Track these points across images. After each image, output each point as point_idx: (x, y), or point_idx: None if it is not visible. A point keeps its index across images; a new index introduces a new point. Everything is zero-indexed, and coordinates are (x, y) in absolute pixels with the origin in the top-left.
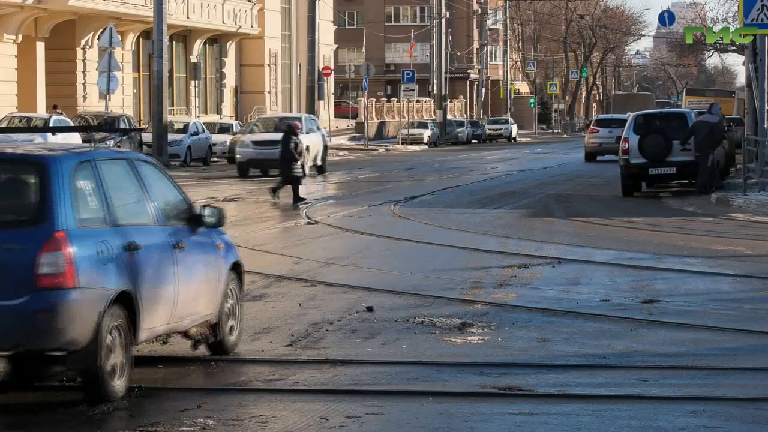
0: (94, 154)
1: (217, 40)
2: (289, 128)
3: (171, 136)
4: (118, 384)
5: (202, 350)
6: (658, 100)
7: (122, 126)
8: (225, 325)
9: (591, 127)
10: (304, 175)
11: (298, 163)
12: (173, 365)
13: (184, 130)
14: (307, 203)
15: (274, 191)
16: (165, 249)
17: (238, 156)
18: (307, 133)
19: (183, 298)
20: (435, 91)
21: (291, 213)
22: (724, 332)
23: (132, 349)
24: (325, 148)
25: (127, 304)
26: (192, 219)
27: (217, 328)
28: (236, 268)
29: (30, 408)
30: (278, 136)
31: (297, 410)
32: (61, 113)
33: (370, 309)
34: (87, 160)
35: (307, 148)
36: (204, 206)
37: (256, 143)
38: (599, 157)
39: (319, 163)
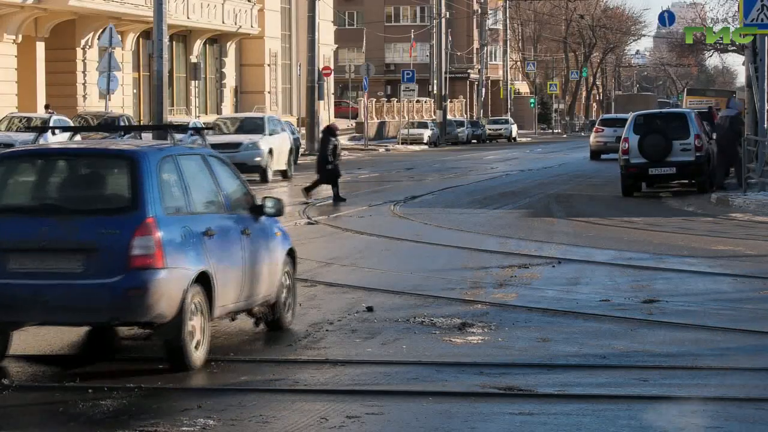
0: (174, 149)
1: (217, 40)
2: (328, 129)
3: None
4: (199, 355)
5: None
6: (658, 100)
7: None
8: (282, 305)
9: (596, 126)
10: (339, 174)
11: (336, 163)
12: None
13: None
14: (344, 202)
15: (307, 191)
16: (234, 235)
17: None
18: (270, 134)
19: (249, 280)
20: (435, 91)
21: (291, 213)
22: (724, 332)
23: (209, 324)
24: (292, 150)
25: (205, 283)
26: (254, 209)
27: (275, 308)
28: (291, 254)
29: (29, 409)
30: (237, 138)
31: (297, 410)
32: (52, 113)
33: (370, 309)
34: (169, 155)
35: (270, 152)
36: (265, 198)
37: (212, 146)
38: (603, 156)
39: (283, 167)
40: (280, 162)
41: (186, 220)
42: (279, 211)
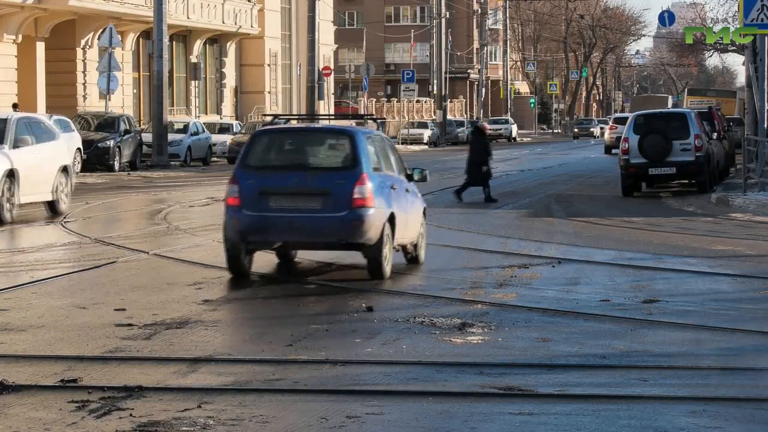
0: (370, 131)
1: (217, 40)
2: (478, 130)
3: (171, 136)
4: (388, 269)
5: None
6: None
7: (122, 126)
8: (420, 245)
9: (611, 124)
10: (491, 175)
11: (488, 164)
12: (173, 364)
13: (184, 130)
14: (497, 204)
15: (458, 194)
16: (403, 191)
17: None
18: (15, 147)
19: (408, 224)
20: (435, 91)
21: None
22: (724, 332)
23: (392, 250)
24: (69, 170)
25: (391, 221)
26: (408, 175)
27: (416, 248)
28: (424, 212)
29: (29, 409)
30: None
31: (297, 410)
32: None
33: (370, 309)
34: (369, 134)
35: (11, 175)
36: (413, 168)
37: None
38: (615, 150)
39: (49, 197)
40: (37, 189)
41: (381, 177)
42: (424, 179)
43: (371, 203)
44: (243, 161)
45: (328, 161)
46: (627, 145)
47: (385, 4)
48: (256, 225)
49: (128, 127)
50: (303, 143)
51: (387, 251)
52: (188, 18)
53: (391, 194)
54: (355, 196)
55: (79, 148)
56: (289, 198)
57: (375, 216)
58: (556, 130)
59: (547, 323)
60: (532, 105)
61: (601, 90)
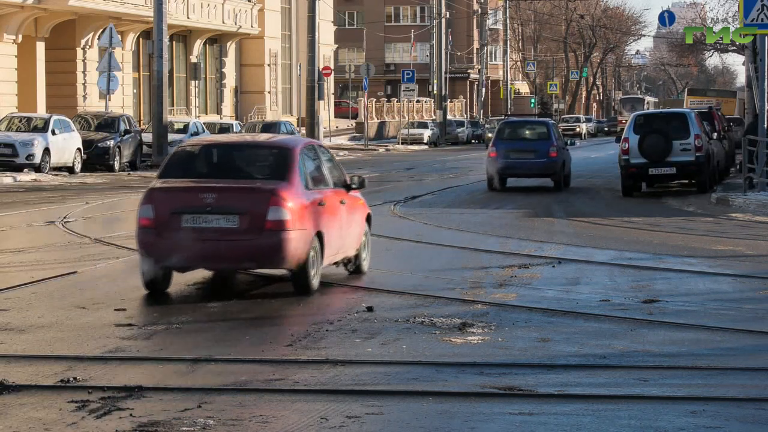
0: (554, 122)
1: (217, 40)
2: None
3: (171, 136)
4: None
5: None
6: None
7: (122, 126)
8: (570, 175)
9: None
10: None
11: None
12: (173, 364)
13: (184, 130)
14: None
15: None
16: (565, 151)
17: None
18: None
19: (567, 166)
20: (435, 91)
21: None
22: (724, 332)
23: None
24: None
25: (563, 164)
26: (564, 143)
27: (569, 177)
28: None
29: (29, 409)
30: None
31: (297, 410)
32: None
33: (370, 309)
34: (553, 123)
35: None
36: (566, 140)
37: None
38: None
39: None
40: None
41: (559, 143)
42: (572, 144)
43: (557, 156)
44: (497, 136)
45: (536, 136)
46: (627, 145)
47: (385, 4)
48: (504, 166)
49: (128, 127)
50: (524, 127)
51: (560, 177)
52: (188, 18)
53: (563, 152)
54: (551, 152)
55: (79, 148)
56: (518, 152)
57: (558, 161)
58: None
59: (547, 323)
60: (532, 105)
61: (601, 90)
